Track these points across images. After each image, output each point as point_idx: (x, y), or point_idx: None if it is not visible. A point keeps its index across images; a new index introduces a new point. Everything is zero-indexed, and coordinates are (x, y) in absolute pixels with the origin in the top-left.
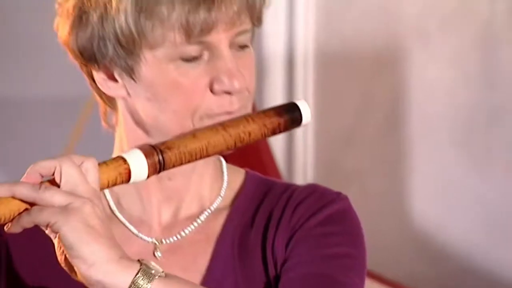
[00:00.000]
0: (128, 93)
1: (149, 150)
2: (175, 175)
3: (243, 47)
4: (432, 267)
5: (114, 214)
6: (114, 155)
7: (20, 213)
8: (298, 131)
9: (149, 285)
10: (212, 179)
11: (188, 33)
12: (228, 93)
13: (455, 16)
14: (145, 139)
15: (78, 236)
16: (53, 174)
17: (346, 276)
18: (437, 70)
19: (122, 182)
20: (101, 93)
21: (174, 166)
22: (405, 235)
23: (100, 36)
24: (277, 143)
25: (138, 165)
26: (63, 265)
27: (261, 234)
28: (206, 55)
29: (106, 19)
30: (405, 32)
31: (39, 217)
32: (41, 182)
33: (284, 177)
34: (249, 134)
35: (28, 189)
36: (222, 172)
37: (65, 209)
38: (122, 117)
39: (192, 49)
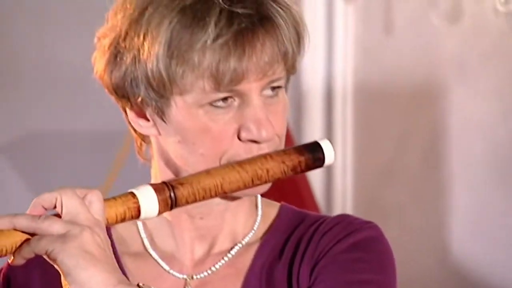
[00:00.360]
0: (159, 132)
1: (160, 186)
2: (208, 215)
3: (274, 94)
4: None
5: (147, 251)
6: None
7: (21, 244)
8: (337, 167)
9: None
10: (246, 215)
11: (218, 82)
12: (255, 142)
13: (495, 51)
14: (178, 176)
15: (75, 261)
16: (55, 207)
17: None
18: (476, 106)
19: (132, 218)
20: (135, 129)
21: (187, 202)
22: (444, 271)
23: (132, 77)
24: (315, 178)
25: (148, 201)
26: None
27: (287, 265)
28: (236, 101)
29: (138, 61)
30: (445, 67)
31: (38, 246)
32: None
33: (323, 212)
34: (267, 171)
35: (27, 220)
36: (257, 207)
37: (62, 236)
38: (155, 153)
39: (220, 97)
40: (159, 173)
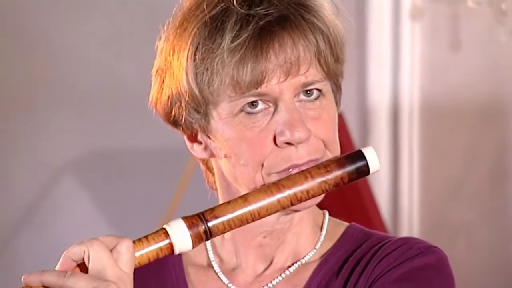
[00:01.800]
0: (212, 153)
1: (194, 221)
2: (271, 234)
3: (311, 96)
4: None
5: (211, 264)
6: None
7: None
8: (403, 185)
9: None
10: (309, 234)
11: (240, 85)
12: (291, 144)
13: None
14: (234, 195)
15: None
16: (83, 260)
17: None
18: None
19: (165, 255)
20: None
21: (223, 233)
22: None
23: (173, 98)
24: (382, 196)
25: (181, 238)
26: None
27: (343, 284)
28: (271, 108)
29: (174, 79)
30: (511, 83)
31: None
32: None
33: (390, 231)
34: (307, 192)
35: (54, 277)
36: (322, 227)
37: None
38: (216, 177)
39: (248, 101)
40: (221, 194)
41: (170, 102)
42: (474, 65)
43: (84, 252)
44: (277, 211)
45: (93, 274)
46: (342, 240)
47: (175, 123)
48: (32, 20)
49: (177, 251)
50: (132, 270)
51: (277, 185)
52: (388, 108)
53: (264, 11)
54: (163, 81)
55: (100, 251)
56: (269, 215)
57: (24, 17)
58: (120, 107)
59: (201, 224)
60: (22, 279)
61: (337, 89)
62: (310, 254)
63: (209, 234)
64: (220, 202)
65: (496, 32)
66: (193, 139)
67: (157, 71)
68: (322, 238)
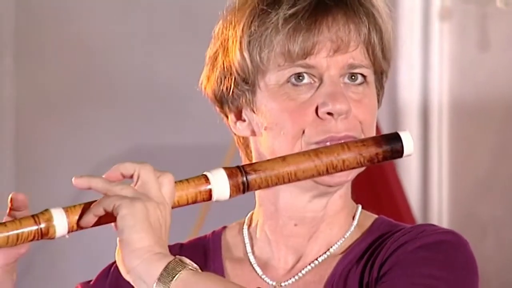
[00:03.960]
0: (253, 131)
1: (234, 171)
2: (303, 222)
3: (355, 77)
4: None
5: (247, 256)
6: (256, 200)
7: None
8: (433, 181)
9: (177, 275)
10: (341, 225)
11: (290, 55)
12: (332, 115)
13: None
14: None
15: (133, 222)
16: (131, 177)
17: None
18: None
19: (204, 200)
20: (238, 140)
21: (259, 188)
22: None
23: (225, 73)
24: (412, 192)
25: (220, 185)
26: (116, 254)
27: (360, 271)
28: (316, 83)
29: (227, 54)
30: None
31: (106, 202)
32: None
33: None
34: (343, 161)
35: (103, 182)
36: (354, 217)
37: (132, 198)
38: (254, 158)
39: (297, 71)
40: None
41: (220, 78)
42: (503, 65)
43: (135, 170)
44: (312, 175)
45: (138, 189)
46: (369, 232)
47: (222, 101)
48: (76, 25)
49: (214, 197)
50: (171, 203)
51: (315, 151)
52: (417, 107)
53: None
54: (216, 59)
55: (150, 174)
56: (305, 178)
57: (69, 23)
58: (158, 106)
59: (240, 176)
60: (73, 179)
61: (380, 86)
62: (339, 243)
63: (246, 186)
64: (257, 192)
65: None
66: (238, 116)
67: (210, 55)
68: (352, 228)
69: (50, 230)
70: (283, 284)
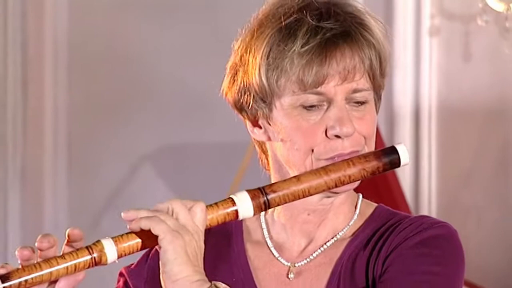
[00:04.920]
0: (269, 137)
1: (256, 193)
2: (314, 212)
3: (359, 103)
4: None
5: (265, 240)
6: None
7: (137, 244)
8: (424, 174)
9: None
10: (346, 213)
11: (304, 84)
12: (339, 137)
13: None
14: (284, 175)
15: (175, 256)
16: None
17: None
18: None
19: (231, 220)
20: (254, 139)
21: (278, 205)
22: None
23: (245, 89)
24: (406, 183)
25: (245, 207)
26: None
27: (367, 257)
28: (325, 105)
29: (247, 73)
30: None
31: (157, 225)
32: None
33: (412, 212)
34: (349, 176)
35: (148, 212)
36: (356, 206)
37: (174, 232)
38: (270, 160)
39: (309, 98)
40: (273, 174)
41: (241, 92)
42: (483, 74)
43: (168, 208)
44: (323, 190)
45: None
46: (371, 219)
47: (241, 109)
48: (119, 40)
49: (240, 217)
50: (204, 228)
51: (325, 169)
52: (410, 110)
53: (331, 26)
54: (236, 73)
55: (182, 208)
56: (317, 193)
57: (113, 38)
58: (187, 109)
59: (262, 196)
60: (123, 213)
61: (378, 98)
62: (345, 230)
63: (267, 205)
64: (272, 181)
65: (501, 46)
66: (255, 123)
67: (231, 66)
68: (355, 216)
69: (103, 259)
70: (297, 264)
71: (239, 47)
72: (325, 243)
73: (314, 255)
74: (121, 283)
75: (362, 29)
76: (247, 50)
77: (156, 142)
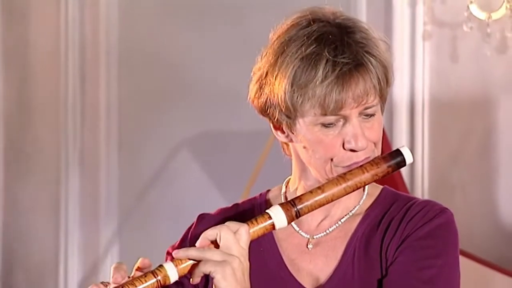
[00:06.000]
0: (292, 140)
1: (288, 207)
2: None
3: (369, 115)
4: None
5: None
6: (292, 177)
7: (193, 267)
8: (418, 157)
9: None
10: (356, 194)
11: (325, 109)
12: (354, 151)
13: None
14: (305, 170)
15: (227, 283)
16: (216, 240)
17: (434, 284)
18: None
19: (269, 231)
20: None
21: (308, 212)
22: (496, 231)
23: (270, 103)
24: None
25: (279, 219)
26: None
27: (381, 237)
28: (341, 122)
29: (273, 92)
30: (495, 86)
31: (205, 267)
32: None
33: (408, 188)
34: (364, 182)
35: (196, 252)
36: (364, 188)
37: (221, 263)
38: (292, 154)
39: (328, 119)
40: (295, 167)
41: (267, 105)
42: (468, 72)
43: (217, 234)
44: (343, 195)
45: (223, 249)
46: (379, 199)
47: (266, 116)
48: (162, 41)
49: (277, 228)
50: (248, 246)
51: (344, 178)
52: (406, 103)
53: (346, 60)
54: (262, 87)
55: (228, 233)
56: (338, 199)
57: (157, 40)
58: (220, 102)
59: (293, 208)
60: (173, 253)
61: (383, 102)
62: (356, 208)
63: (298, 215)
64: (294, 173)
65: (483, 49)
66: (278, 128)
67: (257, 78)
68: (364, 196)
69: (166, 281)
70: (315, 236)
71: (264, 64)
72: (340, 219)
73: (330, 229)
74: (169, 260)
75: (371, 57)
76: (273, 72)
77: (192, 129)
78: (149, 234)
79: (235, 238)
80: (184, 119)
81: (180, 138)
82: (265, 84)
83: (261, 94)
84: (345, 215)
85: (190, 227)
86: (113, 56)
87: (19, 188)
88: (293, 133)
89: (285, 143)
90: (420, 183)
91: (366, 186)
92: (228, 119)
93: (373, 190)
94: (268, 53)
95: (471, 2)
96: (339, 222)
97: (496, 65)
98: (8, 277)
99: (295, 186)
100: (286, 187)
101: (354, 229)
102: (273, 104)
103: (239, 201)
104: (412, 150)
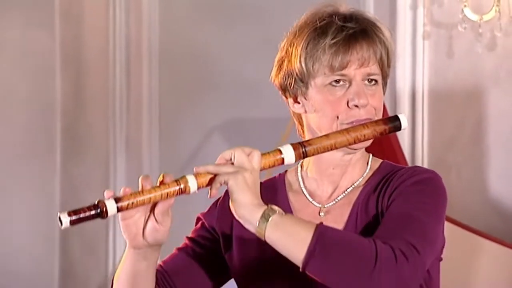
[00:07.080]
0: (305, 110)
1: (297, 145)
2: (337, 166)
3: (371, 81)
4: (504, 224)
5: (301, 189)
6: (305, 160)
7: (210, 180)
8: (418, 140)
9: (270, 218)
10: (361, 166)
11: (332, 68)
12: (357, 106)
13: None
14: None
15: (238, 187)
16: (231, 158)
17: (427, 217)
18: (506, 103)
19: (279, 165)
20: (293, 114)
21: (313, 154)
22: (487, 206)
23: (288, 73)
24: (404, 147)
25: (289, 155)
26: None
27: (376, 197)
28: (347, 84)
29: (290, 62)
30: (486, 79)
31: (220, 178)
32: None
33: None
34: (364, 136)
35: (213, 166)
36: (368, 162)
37: (234, 172)
38: (305, 129)
39: (336, 77)
40: (307, 138)
41: (285, 77)
42: (462, 67)
43: (232, 153)
44: (345, 145)
45: (237, 165)
46: (378, 171)
47: (285, 90)
48: (196, 39)
49: (286, 162)
50: (259, 169)
51: (347, 130)
52: (408, 94)
53: (352, 25)
54: (282, 64)
55: (241, 153)
56: (341, 147)
57: (193, 37)
58: (245, 91)
59: (301, 148)
60: (194, 168)
61: (384, 84)
62: (360, 180)
63: (305, 154)
64: None
65: (475, 47)
66: (295, 100)
67: (278, 60)
68: (367, 170)
69: (187, 189)
70: (326, 206)
71: (284, 44)
72: (346, 190)
73: (338, 198)
74: (198, 224)
75: (375, 29)
76: (291, 45)
77: (222, 117)
78: (185, 208)
79: (247, 157)
80: (214, 108)
81: (212, 125)
82: (285, 58)
83: (280, 70)
84: (351, 186)
85: (219, 199)
86: (154, 54)
87: (74, 168)
88: (306, 100)
89: (300, 124)
90: (420, 164)
91: (369, 161)
92: (251, 107)
93: (375, 164)
94: (287, 37)
95: (465, 6)
96: (346, 192)
97: (487, 61)
98: (65, 241)
99: (307, 165)
100: (301, 167)
101: (357, 196)
102: (290, 73)
103: (262, 180)
104: (413, 135)
